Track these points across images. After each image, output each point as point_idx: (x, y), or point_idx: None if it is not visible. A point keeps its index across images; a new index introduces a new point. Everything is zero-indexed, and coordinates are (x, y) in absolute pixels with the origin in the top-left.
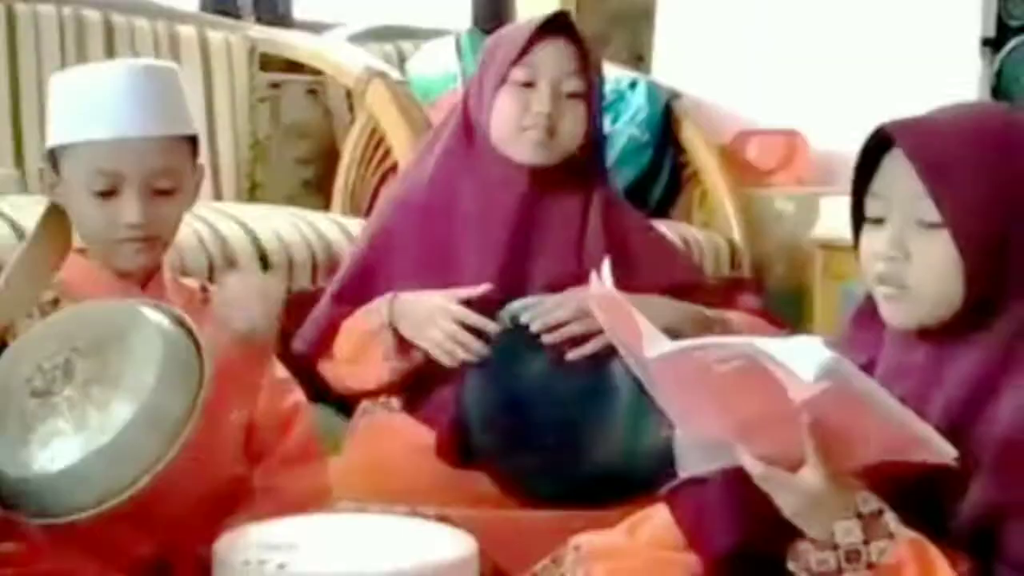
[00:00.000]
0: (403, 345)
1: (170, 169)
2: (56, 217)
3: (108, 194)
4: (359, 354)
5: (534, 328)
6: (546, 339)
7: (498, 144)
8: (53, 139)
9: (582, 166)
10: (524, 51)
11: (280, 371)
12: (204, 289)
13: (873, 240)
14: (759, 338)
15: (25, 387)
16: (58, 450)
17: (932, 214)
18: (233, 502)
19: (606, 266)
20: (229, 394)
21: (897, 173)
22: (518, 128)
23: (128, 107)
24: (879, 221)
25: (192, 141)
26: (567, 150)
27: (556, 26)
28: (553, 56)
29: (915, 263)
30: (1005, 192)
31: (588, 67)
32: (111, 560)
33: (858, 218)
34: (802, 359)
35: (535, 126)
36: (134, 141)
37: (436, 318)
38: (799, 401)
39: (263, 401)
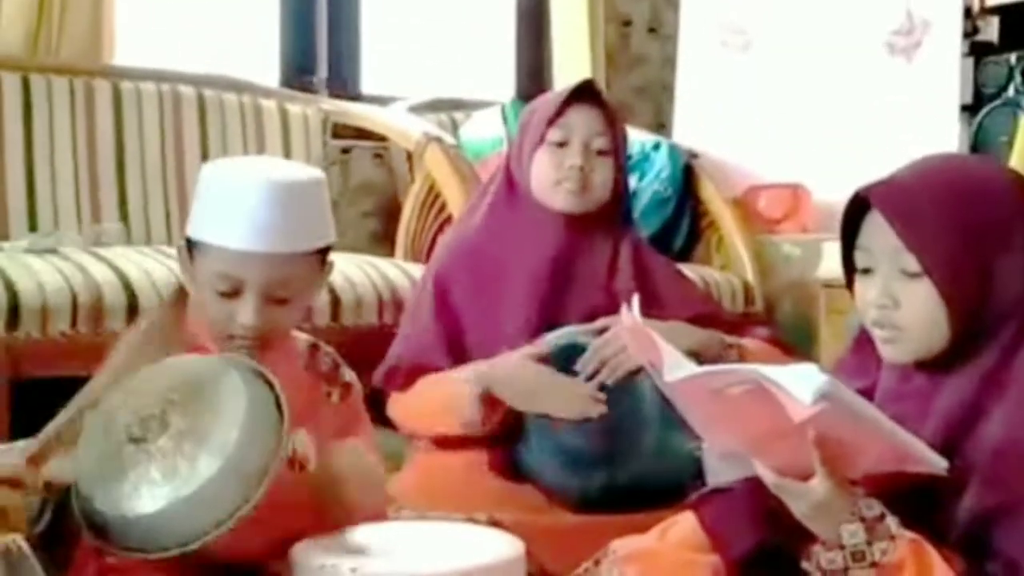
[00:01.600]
0: (488, 412)
1: (290, 281)
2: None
3: (229, 295)
4: (436, 415)
5: (583, 376)
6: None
7: (537, 195)
8: (191, 230)
9: (611, 215)
10: (558, 115)
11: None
12: (315, 347)
13: (865, 289)
14: (763, 365)
15: (123, 432)
16: (148, 495)
17: (913, 265)
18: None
19: (635, 300)
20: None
21: (878, 230)
22: (555, 181)
23: (264, 222)
24: (868, 271)
25: (323, 249)
26: (599, 200)
27: (585, 93)
28: (583, 118)
29: (904, 309)
30: (975, 236)
31: (614, 128)
32: None
33: (849, 267)
34: (800, 384)
35: (569, 179)
36: (261, 255)
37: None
38: (799, 421)
39: None
